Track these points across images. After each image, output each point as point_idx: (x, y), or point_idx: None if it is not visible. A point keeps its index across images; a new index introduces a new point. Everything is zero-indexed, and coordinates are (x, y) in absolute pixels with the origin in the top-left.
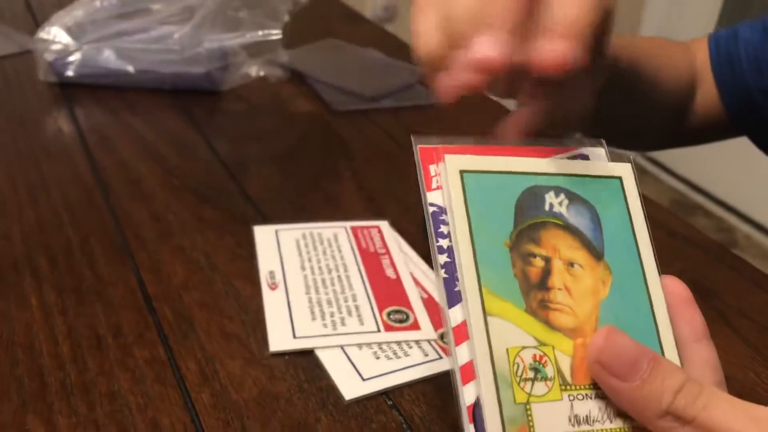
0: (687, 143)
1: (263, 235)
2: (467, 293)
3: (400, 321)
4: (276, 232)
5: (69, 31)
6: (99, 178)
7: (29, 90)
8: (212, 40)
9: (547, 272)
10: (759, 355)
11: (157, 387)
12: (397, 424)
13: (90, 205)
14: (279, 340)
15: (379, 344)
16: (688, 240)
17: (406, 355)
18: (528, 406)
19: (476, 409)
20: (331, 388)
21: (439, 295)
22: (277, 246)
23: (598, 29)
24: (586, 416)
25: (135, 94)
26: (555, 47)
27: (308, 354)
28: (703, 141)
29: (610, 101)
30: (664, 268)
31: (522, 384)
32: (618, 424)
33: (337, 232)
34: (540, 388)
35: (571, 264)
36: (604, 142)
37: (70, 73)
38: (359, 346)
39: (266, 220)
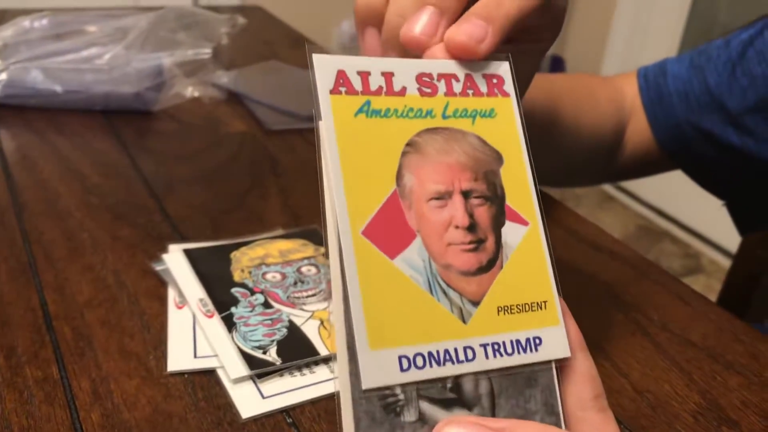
0: (622, 178)
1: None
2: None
3: None
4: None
5: None
6: (15, 198)
7: None
8: (142, 59)
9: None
10: (676, 367)
11: (45, 407)
12: None
13: (0, 225)
14: (178, 359)
15: None
16: (614, 254)
17: (312, 372)
18: None
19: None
20: (228, 407)
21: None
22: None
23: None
24: None
25: (64, 115)
26: (465, 30)
27: (209, 373)
28: (638, 175)
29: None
30: (587, 282)
31: None
32: None
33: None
34: None
35: None
36: (510, 56)
37: None
38: None
39: (183, 238)
